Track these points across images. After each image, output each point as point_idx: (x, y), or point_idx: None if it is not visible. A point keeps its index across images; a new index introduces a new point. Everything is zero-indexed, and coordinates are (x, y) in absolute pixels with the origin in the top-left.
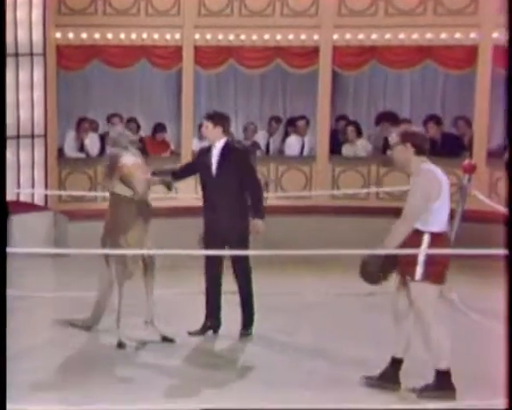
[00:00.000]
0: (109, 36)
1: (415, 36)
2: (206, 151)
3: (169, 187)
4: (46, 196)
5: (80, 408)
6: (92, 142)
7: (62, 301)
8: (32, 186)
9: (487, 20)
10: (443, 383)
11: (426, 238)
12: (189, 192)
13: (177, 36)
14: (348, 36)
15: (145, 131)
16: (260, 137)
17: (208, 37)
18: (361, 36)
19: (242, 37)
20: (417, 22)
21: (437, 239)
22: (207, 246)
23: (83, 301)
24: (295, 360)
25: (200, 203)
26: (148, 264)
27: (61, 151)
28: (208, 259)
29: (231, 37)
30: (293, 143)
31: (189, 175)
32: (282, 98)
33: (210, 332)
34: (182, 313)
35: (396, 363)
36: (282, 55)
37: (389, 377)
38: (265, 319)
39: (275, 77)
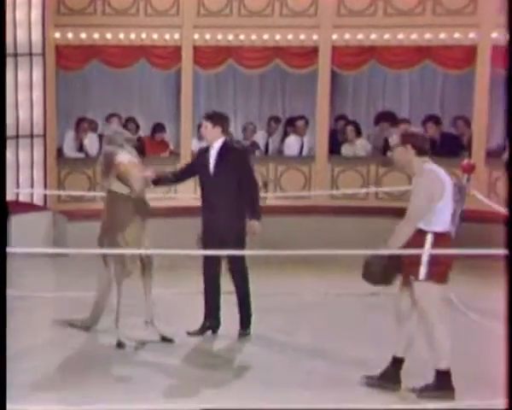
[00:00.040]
0: (108, 36)
1: (414, 36)
2: (205, 151)
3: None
4: (45, 195)
5: (80, 408)
6: (91, 142)
7: (62, 301)
8: (31, 186)
9: (486, 20)
10: (443, 384)
11: (429, 238)
12: (187, 192)
13: (177, 36)
14: (347, 36)
15: (144, 131)
16: (259, 137)
17: (207, 37)
18: (360, 36)
19: (241, 37)
20: (416, 22)
21: (440, 239)
22: (205, 246)
23: (82, 301)
24: (294, 360)
25: (199, 203)
26: (146, 263)
27: (60, 151)
28: (206, 259)
29: (230, 37)
30: (292, 143)
31: (190, 177)
32: (281, 98)
33: (209, 332)
34: (181, 313)
35: (397, 363)
36: (282, 55)
37: (390, 377)
38: (264, 318)
39: (274, 77)
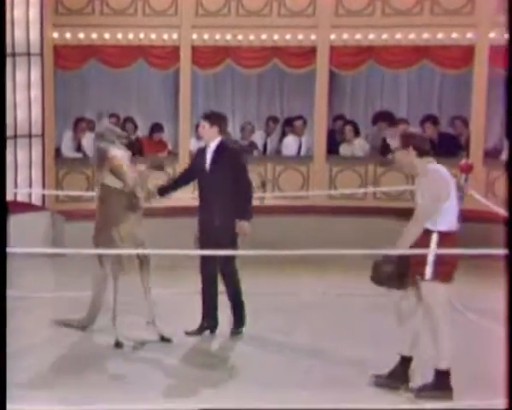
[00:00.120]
0: (106, 36)
1: (411, 36)
2: (202, 151)
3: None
4: (43, 195)
5: (79, 408)
6: (89, 142)
7: (60, 301)
8: (30, 186)
9: (484, 20)
10: (441, 383)
11: (434, 238)
12: (186, 192)
13: (175, 36)
14: (345, 36)
15: (142, 131)
16: (257, 137)
17: (206, 37)
18: (358, 36)
19: (240, 37)
20: (414, 22)
21: (445, 239)
22: (202, 246)
23: (80, 301)
24: (292, 359)
25: (197, 203)
26: (143, 260)
27: (58, 151)
28: (203, 259)
29: (228, 37)
30: (290, 143)
31: (190, 180)
32: (279, 98)
33: (207, 332)
34: (179, 312)
35: (405, 361)
36: (280, 55)
37: (398, 376)
38: (262, 318)
39: (272, 77)
